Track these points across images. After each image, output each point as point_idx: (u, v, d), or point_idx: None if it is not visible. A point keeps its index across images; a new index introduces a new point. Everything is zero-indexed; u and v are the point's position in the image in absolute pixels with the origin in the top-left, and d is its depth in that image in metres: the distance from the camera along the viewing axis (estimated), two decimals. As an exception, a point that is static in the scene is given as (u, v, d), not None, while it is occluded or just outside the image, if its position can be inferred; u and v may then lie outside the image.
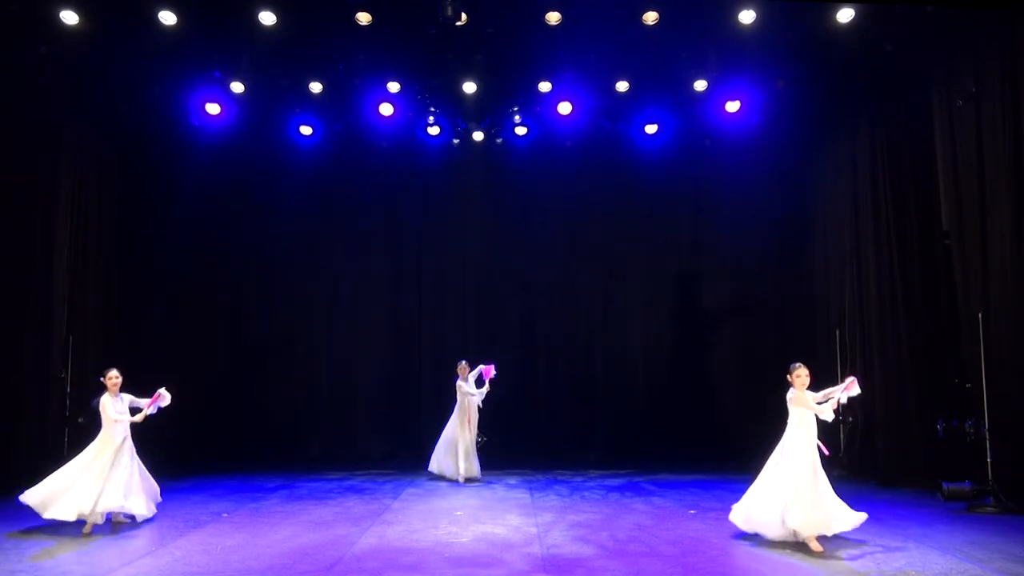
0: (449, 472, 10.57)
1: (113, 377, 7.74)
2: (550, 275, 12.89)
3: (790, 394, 6.93)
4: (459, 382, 10.67)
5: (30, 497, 7.39)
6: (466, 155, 12.73)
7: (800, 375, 6.90)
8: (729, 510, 7.17)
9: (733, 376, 12.53)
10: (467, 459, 10.50)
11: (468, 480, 10.43)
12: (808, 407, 6.83)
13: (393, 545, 6.84)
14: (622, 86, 11.07)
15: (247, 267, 12.75)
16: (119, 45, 9.79)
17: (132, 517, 7.69)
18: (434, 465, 10.75)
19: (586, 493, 9.71)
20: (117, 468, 7.55)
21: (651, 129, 12.09)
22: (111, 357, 10.80)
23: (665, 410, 12.52)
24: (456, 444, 10.57)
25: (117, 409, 7.66)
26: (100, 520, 7.43)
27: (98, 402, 7.69)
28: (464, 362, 10.78)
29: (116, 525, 7.62)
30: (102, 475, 7.46)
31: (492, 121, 12.15)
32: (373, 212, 12.94)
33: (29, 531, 7.35)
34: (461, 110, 11.88)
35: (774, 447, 7.01)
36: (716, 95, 11.25)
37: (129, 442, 7.75)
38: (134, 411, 7.77)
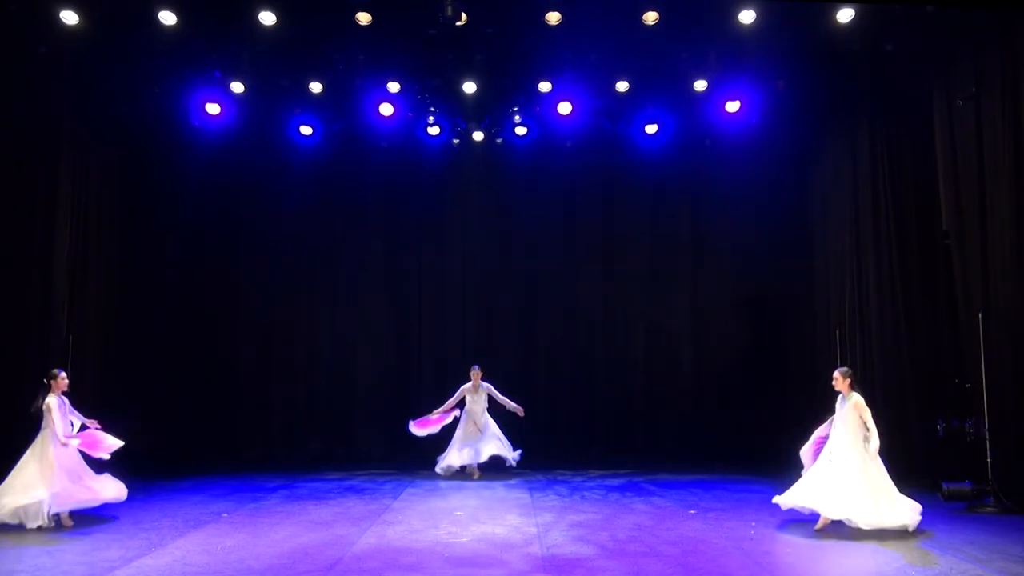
0: (470, 459, 10.76)
1: (63, 379, 7.92)
2: (550, 275, 12.88)
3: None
4: (469, 386, 10.88)
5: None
6: (466, 155, 12.71)
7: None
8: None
9: (733, 375, 12.52)
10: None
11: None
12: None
13: (393, 545, 6.84)
14: (622, 86, 11.06)
15: (247, 267, 12.75)
16: (119, 45, 9.78)
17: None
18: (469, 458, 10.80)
19: (586, 493, 9.70)
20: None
21: (651, 129, 12.06)
22: (111, 357, 10.89)
23: (665, 410, 12.53)
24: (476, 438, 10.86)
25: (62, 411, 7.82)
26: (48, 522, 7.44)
27: (44, 404, 7.77)
28: (477, 367, 11.00)
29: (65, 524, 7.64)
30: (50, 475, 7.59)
31: (492, 121, 12.12)
32: (373, 212, 12.94)
33: (29, 531, 7.35)
34: (461, 110, 11.86)
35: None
36: (716, 95, 11.23)
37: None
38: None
